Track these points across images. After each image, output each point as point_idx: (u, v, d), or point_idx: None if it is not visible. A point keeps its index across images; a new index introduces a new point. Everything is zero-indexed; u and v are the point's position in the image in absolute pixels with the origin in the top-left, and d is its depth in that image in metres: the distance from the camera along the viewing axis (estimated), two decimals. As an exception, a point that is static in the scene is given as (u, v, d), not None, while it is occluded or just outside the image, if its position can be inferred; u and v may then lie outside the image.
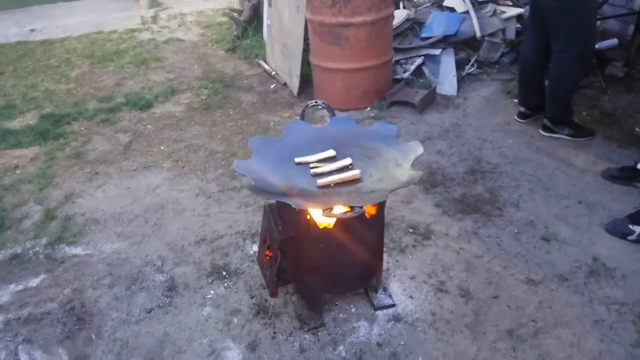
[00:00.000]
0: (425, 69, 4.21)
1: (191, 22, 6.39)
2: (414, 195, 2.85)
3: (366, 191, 1.81)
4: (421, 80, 4.12)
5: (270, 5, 4.58)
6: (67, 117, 3.97)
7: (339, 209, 1.76)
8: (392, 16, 3.86)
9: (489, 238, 2.52)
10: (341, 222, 1.87)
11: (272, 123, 3.77)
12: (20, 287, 2.40)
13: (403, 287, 2.26)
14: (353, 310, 2.16)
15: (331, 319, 2.12)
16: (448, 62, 4.11)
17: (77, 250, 2.61)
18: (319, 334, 2.06)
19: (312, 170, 1.91)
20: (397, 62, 4.19)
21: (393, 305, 2.16)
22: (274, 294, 2.10)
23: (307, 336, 2.05)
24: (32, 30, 6.30)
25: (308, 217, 1.89)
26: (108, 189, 3.09)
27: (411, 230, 2.59)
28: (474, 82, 4.18)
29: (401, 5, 4.58)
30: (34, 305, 2.28)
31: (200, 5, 6.99)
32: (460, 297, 2.20)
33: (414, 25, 4.37)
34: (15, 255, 2.59)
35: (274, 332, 2.08)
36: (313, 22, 3.76)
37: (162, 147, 3.52)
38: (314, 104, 2.26)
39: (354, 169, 1.90)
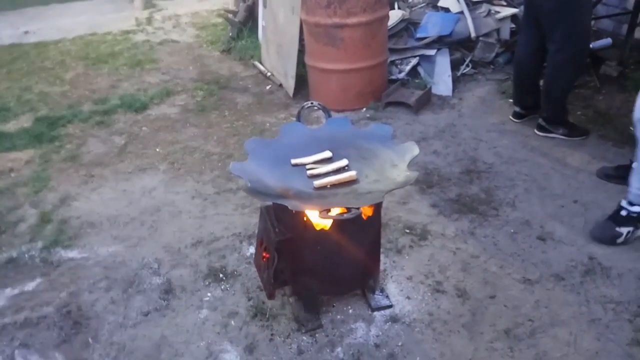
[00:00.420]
0: (420, 70, 4.22)
1: (186, 23, 6.38)
2: (410, 195, 2.86)
3: (362, 192, 1.81)
4: (416, 81, 4.13)
5: (265, 6, 4.58)
6: (62, 120, 3.95)
7: (336, 211, 1.76)
8: (387, 17, 3.86)
9: (485, 238, 2.53)
10: (338, 224, 1.87)
11: (267, 124, 3.77)
12: (16, 291, 2.39)
13: (400, 287, 2.26)
14: (350, 311, 2.16)
15: (329, 321, 2.12)
16: (443, 62, 4.12)
17: (73, 253, 2.60)
18: (317, 335, 2.06)
19: (309, 172, 1.91)
20: (392, 62, 4.20)
21: (390, 306, 2.16)
22: (271, 296, 2.10)
23: (304, 338, 2.05)
24: (26, 32, 6.27)
25: (305, 218, 1.89)
26: (104, 192, 3.08)
27: (408, 231, 2.59)
28: (469, 83, 4.19)
29: (396, 6, 4.59)
30: (30, 310, 2.26)
31: (195, 7, 6.98)
32: (457, 297, 2.20)
33: (409, 26, 4.38)
34: (11, 259, 2.58)
35: (272, 334, 2.08)
36: (308, 23, 3.76)
37: (157, 149, 3.51)
38: (309, 105, 2.26)
39: (350, 170, 1.90)
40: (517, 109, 3.57)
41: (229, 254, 2.51)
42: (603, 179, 2.87)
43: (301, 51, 4.02)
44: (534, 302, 2.16)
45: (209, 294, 2.29)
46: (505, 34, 4.36)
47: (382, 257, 2.26)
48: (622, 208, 2.44)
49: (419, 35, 4.24)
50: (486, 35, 4.28)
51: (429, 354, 1.96)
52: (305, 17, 3.75)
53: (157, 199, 2.98)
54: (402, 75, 4.15)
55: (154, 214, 2.84)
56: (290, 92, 4.13)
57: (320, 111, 2.27)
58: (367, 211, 1.91)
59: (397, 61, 4.23)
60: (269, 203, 2.09)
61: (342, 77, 3.80)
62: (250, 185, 1.78)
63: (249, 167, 1.91)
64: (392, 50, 4.15)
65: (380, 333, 2.05)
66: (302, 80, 4.11)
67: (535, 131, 3.38)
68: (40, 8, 7.21)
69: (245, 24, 5.18)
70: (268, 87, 4.40)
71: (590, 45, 3.49)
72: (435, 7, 4.50)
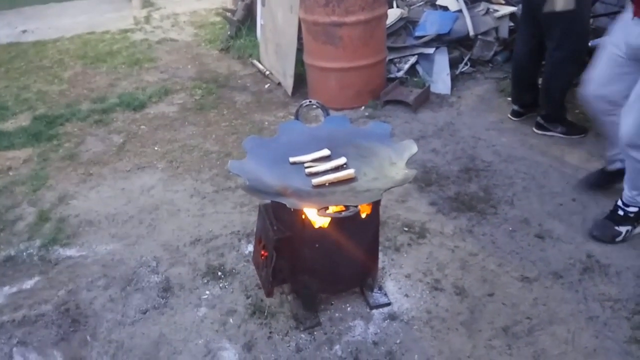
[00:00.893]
0: (419, 68, 4.21)
1: (184, 22, 6.37)
2: (409, 194, 2.86)
3: (361, 190, 1.81)
4: (415, 79, 4.13)
5: (263, 4, 4.57)
6: (60, 118, 3.95)
7: (334, 209, 1.76)
8: (385, 15, 3.86)
9: (483, 236, 2.53)
10: (336, 222, 1.87)
11: (266, 123, 3.77)
12: (14, 289, 2.38)
13: (398, 285, 2.26)
14: (349, 309, 2.16)
15: (327, 318, 2.12)
16: (442, 60, 4.11)
17: (71, 251, 2.60)
18: (315, 333, 2.06)
19: (307, 170, 1.91)
20: (391, 61, 4.20)
21: (389, 304, 2.16)
22: (269, 294, 2.10)
23: (303, 335, 2.05)
24: (24, 31, 6.26)
25: (303, 216, 1.89)
26: (102, 190, 3.08)
27: (406, 229, 2.59)
28: (467, 81, 4.19)
29: (394, 4, 4.59)
30: (28, 308, 2.26)
31: (194, 5, 6.97)
32: (456, 295, 2.20)
33: (407, 24, 4.38)
34: (9, 257, 2.58)
35: (270, 332, 2.08)
36: (306, 22, 3.76)
37: (156, 148, 3.51)
38: (308, 103, 2.26)
39: (349, 168, 1.90)
40: (515, 107, 3.57)
41: (228, 252, 2.51)
42: (591, 189, 2.78)
43: (300, 50, 4.02)
44: (532, 299, 2.16)
45: (207, 292, 2.29)
46: (504, 33, 4.36)
47: (380, 255, 2.26)
48: (618, 208, 2.44)
49: (417, 33, 4.24)
50: (485, 33, 4.27)
51: (427, 351, 1.97)
52: (303, 15, 3.75)
53: (156, 198, 2.97)
54: (400, 74, 4.15)
55: (153, 213, 2.84)
56: (289, 90, 4.12)
57: (319, 109, 2.27)
58: (365, 209, 1.91)
59: (395, 59, 4.22)
60: (268, 201, 2.09)
61: (341, 75, 3.79)
62: (248, 184, 1.78)
63: (247, 166, 1.91)
64: (391, 49, 4.15)
65: (379, 331, 2.05)
66: (300, 79, 4.11)
67: (534, 129, 3.39)
68: (38, 7, 7.20)
69: (244, 22, 5.17)
70: (267, 86, 4.39)
71: (589, 44, 3.49)
72: (434, 6, 4.49)
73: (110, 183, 3.14)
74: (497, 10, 4.34)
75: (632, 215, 2.41)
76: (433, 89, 4.03)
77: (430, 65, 4.13)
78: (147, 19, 6.49)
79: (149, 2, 7.21)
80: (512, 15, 4.36)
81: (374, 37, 3.73)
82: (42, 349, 2.07)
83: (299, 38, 3.96)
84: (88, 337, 2.11)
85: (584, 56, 3.37)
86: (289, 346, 2.01)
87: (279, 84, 4.33)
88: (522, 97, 3.51)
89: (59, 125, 3.88)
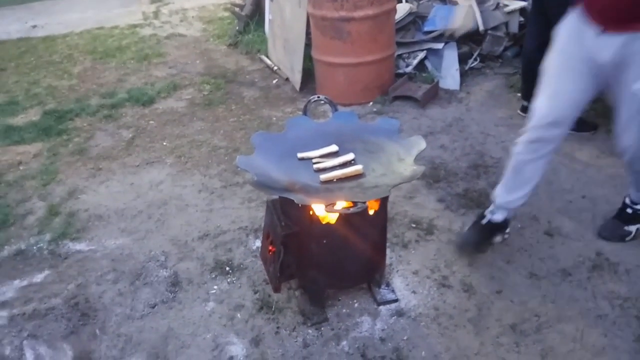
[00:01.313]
0: (427, 63, 4.19)
1: (193, 17, 6.38)
2: (417, 190, 2.85)
3: (369, 186, 1.81)
4: (424, 75, 4.11)
5: (272, -1, 4.57)
6: (70, 113, 3.98)
7: (342, 204, 1.76)
8: (394, 10, 3.84)
9: (492, 233, 2.52)
10: (344, 218, 1.87)
11: (274, 118, 3.77)
12: (24, 282, 2.41)
13: (406, 282, 2.26)
14: (356, 305, 2.16)
15: (334, 314, 2.12)
16: (451, 56, 4.09)
17: (80, 246, 2.62)
18: (322, 329, 2.06)
19: (315, 166, 1.91)
20: (399, 56, 4.18)
21: (396, 300, 2.16)
22: (277, 289, 2.10)
23: (310, 331, 2.06)
24: (34, 27, 6.30)
25: (311, 212, 1.89)
26: (111, 185, 3.10)
27: (414, 225, 2.58)
28: (477, 76, 4.17)
29: (403, -1, 4.57)
30: (38, 301, 2.29)
31: (202, 0, 6.97)
32: (463, 292, 2.20)
33: (416, 19, 4.35)
34: (20, 251, 2.60)
35: (277, 327, 2.08)
36: (315, 17, 3.75)
37: (164, 143, 3.52)
38: (316, 98, 2.25)
39: (357, 164, 1.90)
40: (525, 103, 3.53)
41: (236, 247, 2.52)
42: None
43: (308, 45, 4.01)
44: (540, 297, 2.15)
45: (215, 287, 2.30)
46: (514, 28, 4.33)
47: (388, 251, 2.26)
48: (627, 206, 2.42)
49: (426, 28, 4.21)
50: (494, 28, 4.24)
51: (435, 348, 1.96)
52: (312, 10, 3.74)
53: (165, 193, 2.99)
54: (409, 69, 4.13)
55: (161, 207, 2.86)
56: (297, 86, 4.12)
57: (327, 105, 2.26)
58: (373, 205, 1.91)
59: (404, 55, 4.20)
60: (276, 197, 2.09)
61: (349, 71, 3.78)
62: (256, 179, 1.78)
63: (255, 161, 1.91)
64: (400, 44, 4.13)
65: (386, 327, 2.05)
66: (308, 74, 4.10)
67: (544, 126, 3.35)
68: (47, 2, 7.24)
69: (252, 17, 5.17)
70: (275, 81, 4.39)
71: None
72: (443, 0, 4.46)
73: (119, 178, 3.16)
74: (507, 5, 4.31)
75: None
76: (442, 84, 4.00)
77: (439, 60, 4.11)
78: (156, 14, 6.51)
79: (157, -3, 7.23)
80: (522, 10, 4.32)
81: (382, 32, 3.72)
82: (52, 342, 2.09)
83: (307, 33, 3.96)
84: (97, 331, 2.13)
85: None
86: (296, 341, 2.02)
87: (287, 79, 4.32)
88: (532, 92, 3.47)
89: (68, 120, 3.90)
